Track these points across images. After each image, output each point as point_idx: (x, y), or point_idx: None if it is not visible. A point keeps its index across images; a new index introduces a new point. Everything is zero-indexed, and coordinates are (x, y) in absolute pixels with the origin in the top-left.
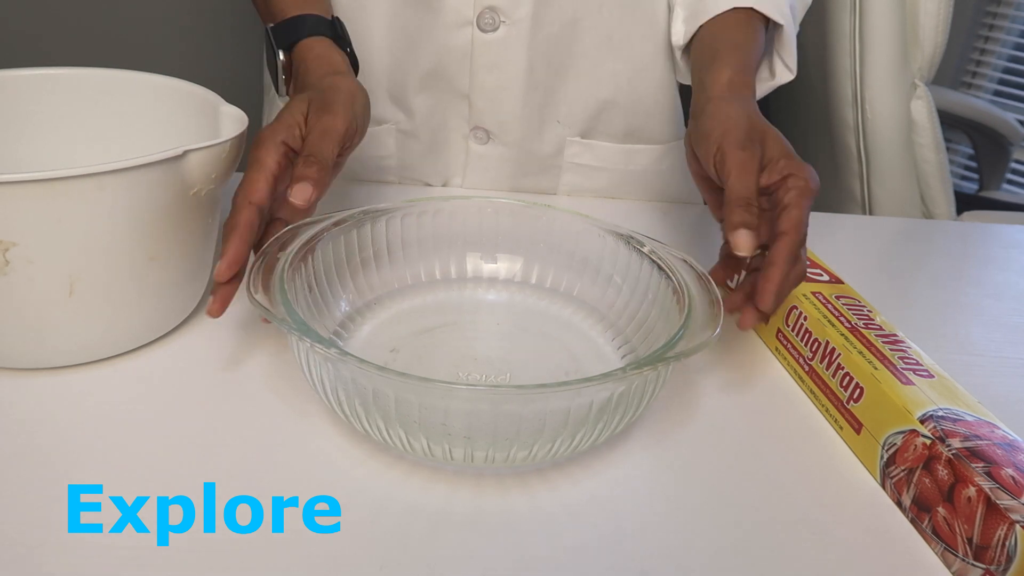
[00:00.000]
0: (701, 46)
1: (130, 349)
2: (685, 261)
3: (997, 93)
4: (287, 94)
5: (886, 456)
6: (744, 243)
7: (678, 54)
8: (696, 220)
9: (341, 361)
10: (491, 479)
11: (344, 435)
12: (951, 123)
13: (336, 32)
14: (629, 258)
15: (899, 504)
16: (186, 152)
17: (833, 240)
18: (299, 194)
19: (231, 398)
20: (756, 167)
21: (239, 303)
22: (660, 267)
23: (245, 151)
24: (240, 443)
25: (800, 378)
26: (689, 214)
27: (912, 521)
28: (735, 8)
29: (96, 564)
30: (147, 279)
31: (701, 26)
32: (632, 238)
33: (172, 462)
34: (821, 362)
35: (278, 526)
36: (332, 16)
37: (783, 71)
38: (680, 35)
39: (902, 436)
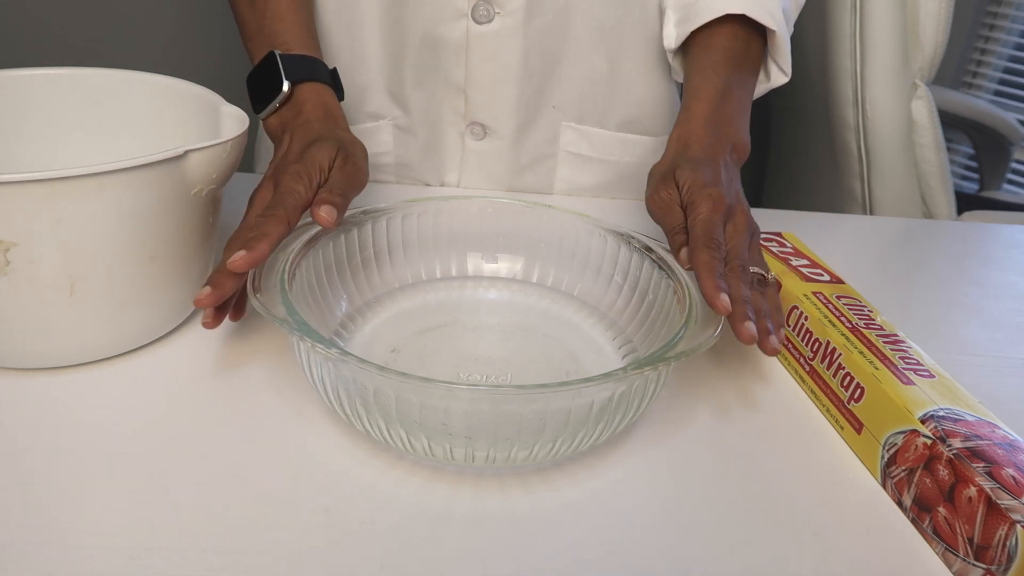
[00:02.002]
0: (688, 69)
1: (131, 349)
2: None
3: (998, 93)
4: (264, 120)
5: (887, 456)
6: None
7: (670, 56)
8: None
9: (342, 361)
10: (492, 479)
11: (345, 435)
12: (952, 123)
13: (337, 83)
14: (630, 258)
15: (900, 504)
16: (187, 152)
17: (834, 240)
18: (328, 213)
19: (232, 398)
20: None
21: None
22: (660, 267)
23: (247, 151)
24: (240, 443)
25: (801, 378)
26: None
27: (913, 521)
28: (727, 15)
29: (96, 564)
30: (148, 279)
31: (695, 32)
32: (632, 238)
33: (172, 462)
34: (822, 362)
35: (279, 526)
36: (332, 67)
37: (777, 74)
38: (672, 39)
39: (903, 436)
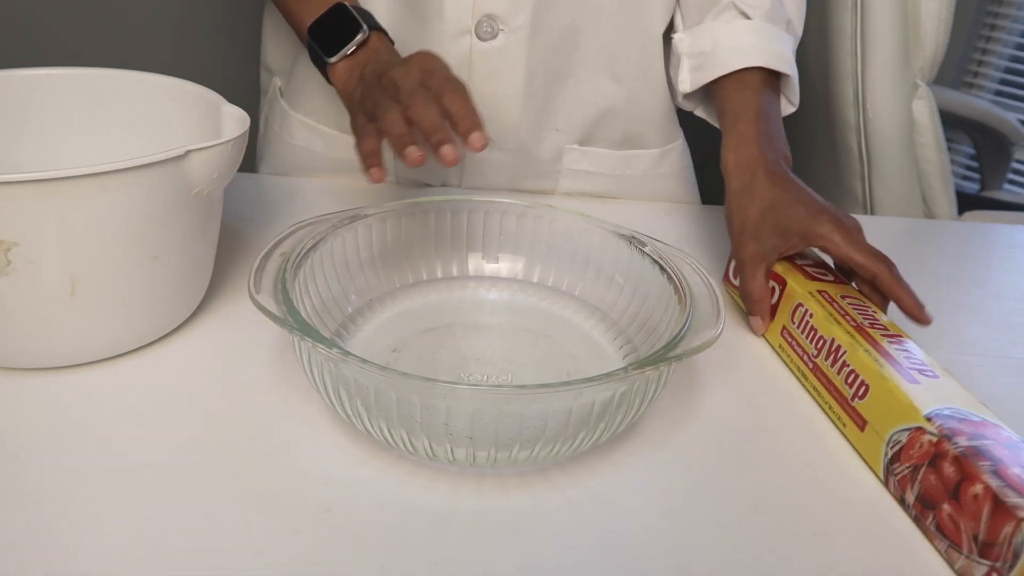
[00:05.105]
0: (723, 93)
1: (132, 349)
2: (687, 261)
3: (998, 93)
4: (332, 65)
5: (890, 453)
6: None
7: (680, 97)
8: (696, 220)
9: (343, 361)
10: (493, 479)
11: (346, 435)
12: (952, 123)
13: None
14: (631, 258)
15: (902, 501)
16: (188, 152)
17: None
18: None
19: (232, 398)
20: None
21: (240, 303)
22: (662, 267)
23: (247, 151)
24: (241, 443)
25: (803, 375)
26: (689, 214)
27: (915, 519)
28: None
29: (97, 564)
30: (149, 279)
31: (713, 82)
32: (634, 238)
33: (173, 462)
34: (826, 359)
35: (279, 526)
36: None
37: (786, 105)
38: (687, 84)
39: (908, 433)
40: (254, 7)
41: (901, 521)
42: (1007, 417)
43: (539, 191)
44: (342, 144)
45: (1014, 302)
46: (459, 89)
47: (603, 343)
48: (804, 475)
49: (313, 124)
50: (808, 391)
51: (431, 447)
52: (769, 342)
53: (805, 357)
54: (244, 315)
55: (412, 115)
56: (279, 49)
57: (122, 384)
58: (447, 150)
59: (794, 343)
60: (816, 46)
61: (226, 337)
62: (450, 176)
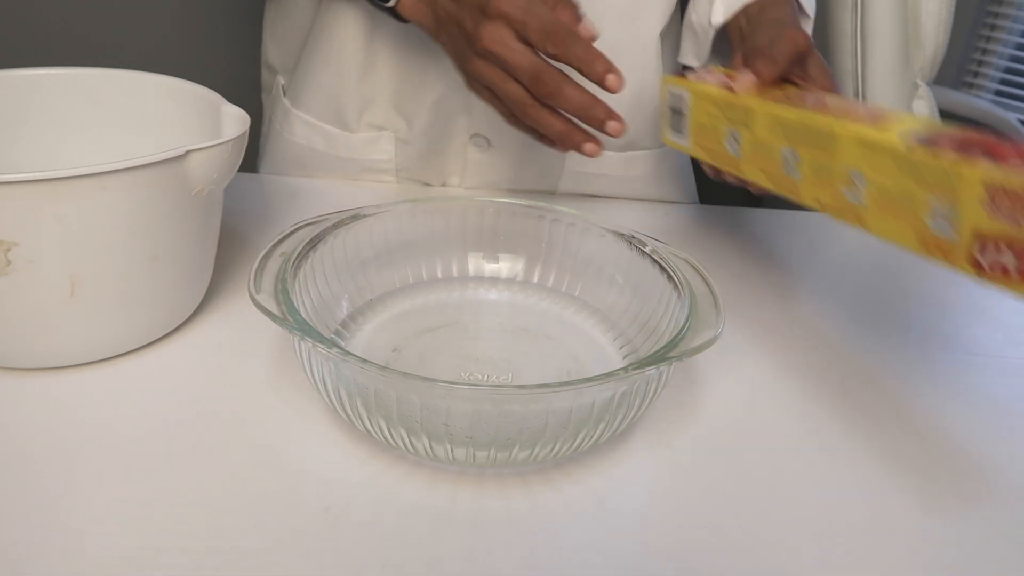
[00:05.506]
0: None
1: (131, 349)
2: (687, 261)
3: (999, 93)
4: (399, 4)
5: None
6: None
7: (711, 33)
8: (696, 220)
9: (343, 361)
10: (493, 479)
11: (345, 435)
12: (952, 123)
13: None
14: (631, 258)
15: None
16: (188, 152)
17: (835, 239)
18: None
19: (232, 398)
20: (805, 43)
21: (240, 303)
22: (662, 267)
23: (248, 150)
24: (241, 443)
25: (809, 114)
26: (689, 214)
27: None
28: None
29: (97, 564)
30: (149, 279)
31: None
32: (634, 238)
33: (172, 462)
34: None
35: (279, 526)
36: None
37: None
38: (720, 14)
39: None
40: (254, 6)
41: (903, 524)
42: (1007, 418)
43: (539, 191)
44: (343, 142)
45: (1013, 301)
46: (572, 36)
47: (603, 343)
48: (804, 475)
49: (314, 122)
50: (812, 123)
51: (431, 447)
52: (747, 102)
53: (810, 109)
54: (244, 315)
55: (558, 104)
56: (280, 47)
57: (122, 384)
58: (614, 125)
59: (790, 103)
60: (816, 46)
61: (226, 337)
62: (450, 176)
